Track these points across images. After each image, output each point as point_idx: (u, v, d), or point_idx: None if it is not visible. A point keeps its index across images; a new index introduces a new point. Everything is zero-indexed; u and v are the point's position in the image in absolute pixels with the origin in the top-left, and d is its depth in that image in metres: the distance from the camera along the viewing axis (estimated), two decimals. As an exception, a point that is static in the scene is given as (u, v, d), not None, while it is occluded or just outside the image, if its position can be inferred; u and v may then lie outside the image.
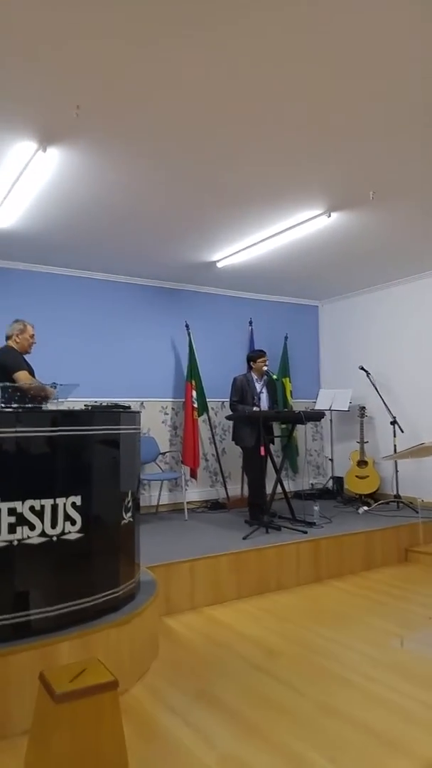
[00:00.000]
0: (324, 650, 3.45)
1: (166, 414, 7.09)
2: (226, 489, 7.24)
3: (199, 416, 6.94)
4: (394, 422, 6.83)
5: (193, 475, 6.89)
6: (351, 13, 2.59)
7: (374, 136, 3.69)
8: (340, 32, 2.70)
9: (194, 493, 7.08)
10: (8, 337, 4.70)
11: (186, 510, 6.32)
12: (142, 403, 6.82)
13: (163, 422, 7.06)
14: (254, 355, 6.26)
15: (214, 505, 6.87)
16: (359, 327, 8.00)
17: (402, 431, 6.79)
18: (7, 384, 3.89)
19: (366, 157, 3.98)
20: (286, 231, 5.38)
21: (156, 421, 6.98)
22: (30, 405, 3.58)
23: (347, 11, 2.57)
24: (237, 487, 7.35)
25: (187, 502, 6.52)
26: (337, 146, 3.82)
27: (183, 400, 7.04)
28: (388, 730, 2.55)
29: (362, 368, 7.33)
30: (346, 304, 8.27)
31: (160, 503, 6.76)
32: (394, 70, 3.00)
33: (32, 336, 4.74)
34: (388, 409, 6.93)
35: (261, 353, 6.21)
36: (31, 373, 4.60)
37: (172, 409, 7.14)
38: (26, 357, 4.72)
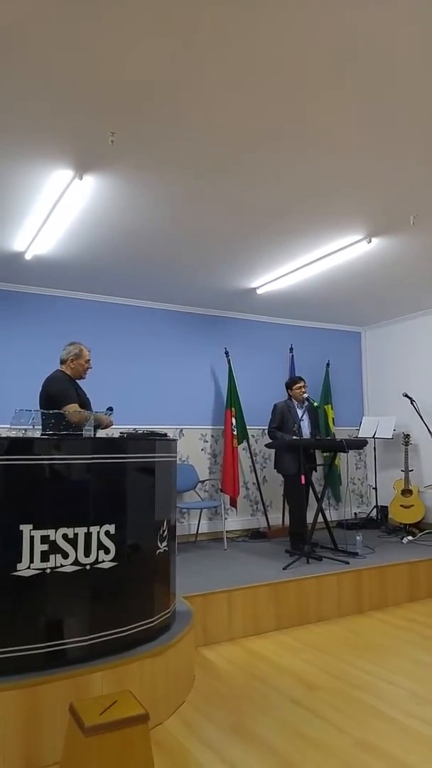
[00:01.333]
0: (364, 684, 3.33)
1: (205, 441, 7.07)
2: (267, 518, 7.15)
3: (238, 444, 6.90)
4: (439, 450, 6.67)
5: (233, 503, 6.83)
6: (391, 37, 2.59)
7: (414, 159, 3.66)
8: (380, 55, 2.70)
9: (234, 521, 7.01)
10: (63, 362, 4.46)
11: (225, 539, 6.25)
12: (181, 430, 6.82)
13: (202, 450, 7.03)
14: (290, 382, 6.24)
15: (254, 534, 6.79)
16: (403, 353, 7.88)
17: (447, 459, 6.62)
18: (45, 411, 3.87)
19: (406, 181, 3.95)
20: (326, 257, 5.36)
21: (195, 449, 6.96)
22: (65, 432, 3.58)
23: (386, 35, 2.57)
24: (278, 516, 7.25)
25: (227, 531, 6.46)
26: (378, 171, 3.81)
27: (222, 427, 7.01)
28: (430, 772, 2.44)
29: (406, 395, 7.19)
30: (388, 330, 8.16)
31: (200, 532, 6.71)
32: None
33: (88, 361, 4.49)
34: (433, 437, 6.77)
35: (297, 380, 6.17)
36: (85, 400, 4.41)
37: (212, 436, 7.12)
38: (81, 383, 4.51)
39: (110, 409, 4.15)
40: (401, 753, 2.59)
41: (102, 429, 4.10)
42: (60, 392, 4.26)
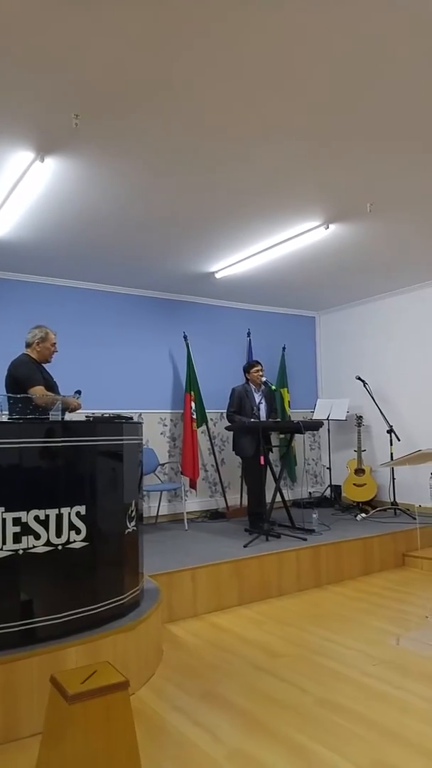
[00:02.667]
0: (324, 650, 3.54)
1: (164, 425, 7.17)
2: (225, 499, 7.32)
3: (198, 427, 7.02)
4: (390, 431, 6.93)
5: (193, 485, 6.96)
6: (350, 26, 2.70)
7: (373, 149, 3.80)
8: (339, 43, 2.80)
9: (194, 503, 7.15)
10: (28, 345, 4.48)
11: (186, 520, 6.39)
12: (140, 414, 6.90)
13: (161, 433, 7.14)
14: (248, 366, 6.40)
15: (213, 515, 6.95)
16: (356, 337, 8.12)
17: (398, 439, 6.89)
18: (11, 395, 3.91)
19: (364, 169, 4.08)
20: (285, 242, 5.48)
21: (155, 433, 7.06)
22: (32, 416, 3.63)
23: (347, 24, 2.69)
24: (236, 497, 7.43)
25: (187, 513, 6.60)
26: (336, 158, 3.92)
27: (182, 411, 7.13)
28: (387, 721, 2.65)
29: (359, 378, 7.43)
30: (343, 314, 8.39)
31: (160, 514, 6.83)
32: (393, 82, 3.10)
33: (54, 344, 4.52)
34: (385, 418, 7.03)
35: (254, 363, 6.33)
36: (52, 384, 4.45)
37: (171, 420, 7.22)
38: (47, 366, 4.53)
39: (78, 392, 4.22)
40: (359, 708, 2.79)
41: (70, 412, 4.14)
42: (25, 375, 4.30)
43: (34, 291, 6.43)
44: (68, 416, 4.13)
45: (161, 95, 3.18)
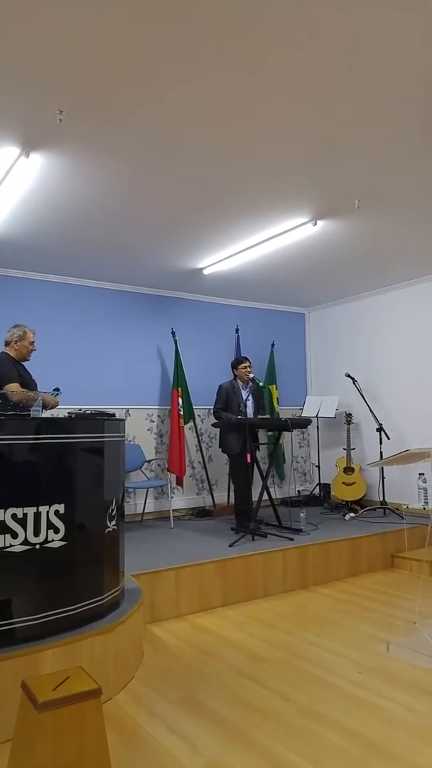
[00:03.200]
0: (309, 655, 3.45)
1: (152, 421, 7.08)
2: (212, 496, 7.24)
3: (185, 424, 6.94)
4: (380, 429, 6.86)
5: (179, 482, 6.88)
6: (339, 21, 2.61)
7: (360, 144, 3.72)
8: (329, 40, 2.72)
9: (180, 500, 7.07)
10: (6, 343, 4.55)
11: (172, 518, 6.31)
12: (127, 410, 6.81)
13: (148, 430, 7.04)
14: (236, 362, 6.31)
15: (200, 513, 6.87)
16: (345, 334, 8.05)
17: (388, 438, 6.82)
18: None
19: (352, 165, 4.01)
20: (273, 239, 5.41)
21: (142, 429, 6.96)
22: (12, 413, 3.54)
23: (337, 18, 2.60)
24: (224, 495, 7.35)
25: (173, 510, 6.51)
26: (324, 154, 3.85)
27: (169, 407, 7.04)
28: (371, 733, 2.55)
29: (348, 375, 7.36)
30: (332, 311, 8.31)
31: (146, 511, 6.73)
32: (382, 80, 3.04)
33: (32, 343, 4.59)
34: (375, 416, 6.96)
35: (242, 360, 6.24)
36: (28, 381, 4.48)
37: (158, 416, 7.13)
38: (26, 364, 4.59)
39: (57, 389, 4.15)
40: (343, 718, 2.69)
41: (47, 410, 4.09)
42: (4, 374, 4.34)
43: (21, 287, 6.33)
44: (46, 413, 4.06)
45: (146, 90, 3.10)
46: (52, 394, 4.19)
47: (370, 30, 2.66)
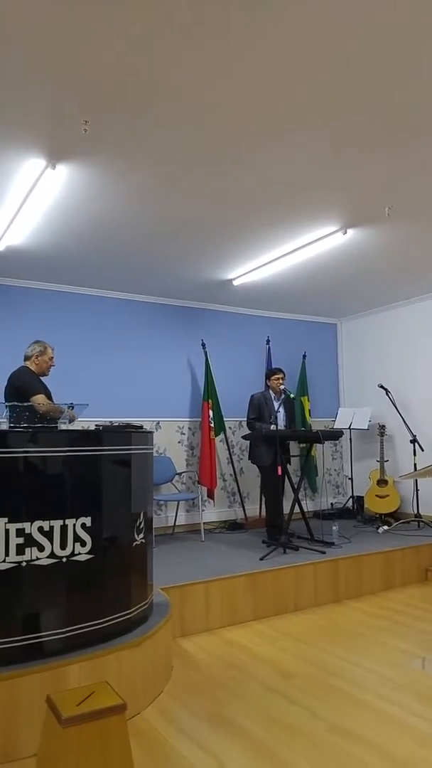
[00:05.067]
0: (340, 671, 3.38)
1: (182, 434, 7.07)
2: (243, 509, 7.19)
3: (215, 436, 6.91)
4: (414, 440, 6.74)
5: (210, 495, 6.85)
6: (364, 25, 2.59)
7: (389, 151, 3.68)
8: (351, 42, 2.70)
9: (211, 513, 7.03)
10: (27, 358, 4.66)
11: (203, 530, 6.27)
12: (158, 422, 6.81)
13: (179, 442, 7.04)
14: (269, 373, 6.29)
15: (231, 526, 6.83)
16: (378, 345, 7.95)
17: (422, 449, 6.70)
18: (17, 404, 3.89)
19: (382, 172, 3.97)
20: (302, 248, 5.37)
21: (172, 441, 6.96)
22: (40, 425, 3.58)
23: (360, 23, 2.58)
24: (255, 507, 7.29)
25: (204, 523, 6.48)
26: (354, 162, 3.82)
27: (200, 419, 7.02)
28: (402, 752, 2.49)
29: (381, 386, 7.26)
30: (364, 321, 8.23)
31: (177, 524, 6.71)
32: (410, 82, 2.99)
33: (51, 359, 4.71)
34: (408, 428, 6.84)
35: (275, 371, 6.20)
36: (49, 395, 4.58)
37: (189, 428, 7.12)
38: (44, 379, 4.69)
39: (71, 405, 4.19)
40: (374, 736, 2.63)
41: (70, 423, 4.14)
42: (27, 384, 4.46)
43: (49, 299, 6.40)
44: (75, 425, 4.09)
45: (171, 100, 3.11)
46: (68, 407, 4.25)
47: (400, 32, 2.63)
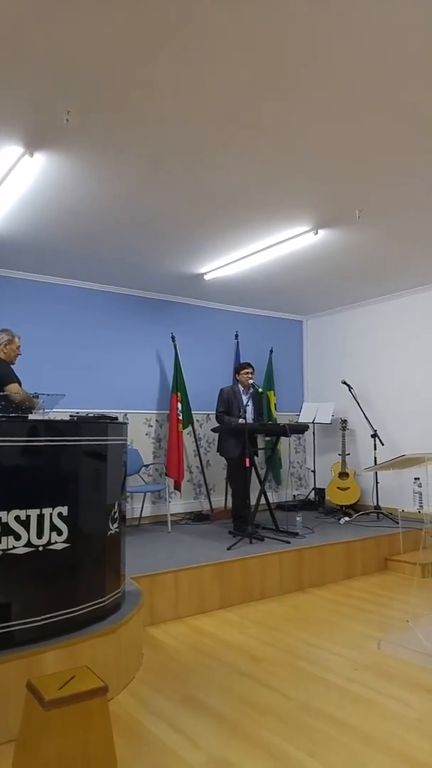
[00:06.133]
0: (306, 655, 3.52)
1: (150, 426, 7.13)
2: (210, 501, 7.29)
3: (183, 428, 6.98)
4: (374, 435, 6.94)
5: (177, 487, 6.92)
6: (341, 33, 2.69)
7: (362, 155, 3.79)
8: (329, 45, 2.78)
9: (178, 505, 7.11)
10: None
11: (169, 522, 6.35)
12: (125, 414, 6.84)
13: (147, 434, 7.09)
14: (239, 367, 6.39)
15: (198, 517, 6.92)
16: (342, 342, 8.13)
17: (382, 444, 6.90)
18: None
19: (353, 175, 4.08)
20: (274, 246, 5.48)
21: (140, 433, 7.01)
22: (15, 415, 3.60)
23: (338, 29, 2.67)
24: (221, 499, 7.40)
25: (171, 514, 6.55)
26: (327, 164, 3.92)
27: (168, 412, 7.09)
28: (367, 727, 2.64)
29: (344, 382, 7.44)
30: (329, 319, 8.40)
31: (143, 515, 6.78)
32: (382, 91, 3.10)
33: (18, 347, 4.71)
34: (369, 423, 7.04)
35: (245, 365, 6.31)
36: (20, 384, 4.57)
37: (157, 421, 7.18)
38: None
39: (36, 395, 4.21)
40: (342, 714, 2.77)
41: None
42: (6, 374, 4.41)
43: (18, 287, 6.35)
44: (49, 416, 4.10)
45: (153, 94, 3.15)
46: (34, 396, 4.26)
47: (374, 42, 2.73)
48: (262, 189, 4.31)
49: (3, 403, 3.71)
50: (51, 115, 3.32)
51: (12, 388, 4.30)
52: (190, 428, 7.19)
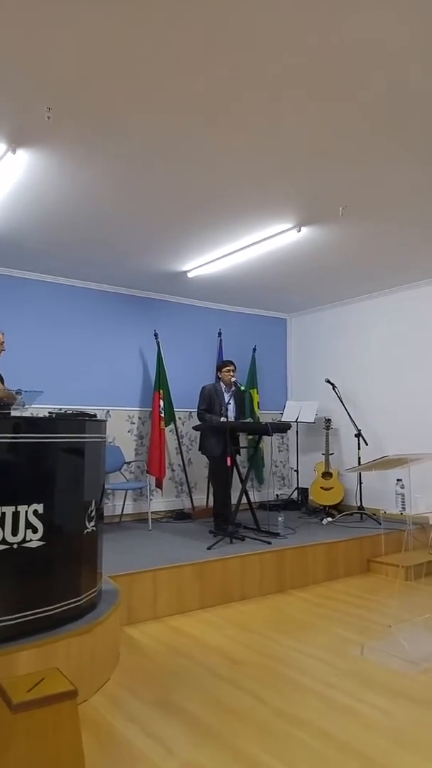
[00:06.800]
0: (285, 659, 3.46)
1: (132, 423, 7.06)
2: (191, 499, 7.23)
3: (165, 426, 6.92)
4: (358, 435, 6.91)
5: (159, 485, 6.86)
6: (323, 30, 2.64)
7: (345, 152, 3.76)
8: (313, 48, 2.75)
9: (159, 503, 7.05)
10: None
11: (150, 520, 6.29)
12: (108, 411, 6.78)
13: (129, 431, 7.02)
14: (221, 365, 6.33)
15: (179, 515, 6.86)
16: (326, 340, 8.10)
17: (366, 444, 6.87)
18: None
19: (337, 173, 4.04)
20: (257, 244, 5.43)
21: (122, 430, 6.94)
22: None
23: (321, 27, 2.63)
24: (203, 497, 7.35)
25: (152, 512, 6.49)
26: (309, 161, 3.88)
27: (150, 409, 7.02)
28: (346, 736, 2.57)
29: (328, 381, 7.40)
30: (313, 317, 8.37)
31: (124, 513, 6.71)
32: (363, 88, 3.06)
33: (2, 344, 4.64)
34: (353, 422, 7.01)
35: (226, 363, 6.25)
36: (2, 381, 4.52)
37: (139, 418, 7.11)
38: None
39: (18, 391, 4.14)
40: (320, 721, 2.71)
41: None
42: None
43: (3, 284, 6.28)
44: (27, 412, 4.04)
45: (134, 92, 3.11)
46: (16, 393, 4.19)
47: (355, 38, 2.69)
48: (245, 186, 4.27)
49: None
50: (32, 112, 3.27)
51: None
52: (172, 426, 7.13)
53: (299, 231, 5.06)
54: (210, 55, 2.81)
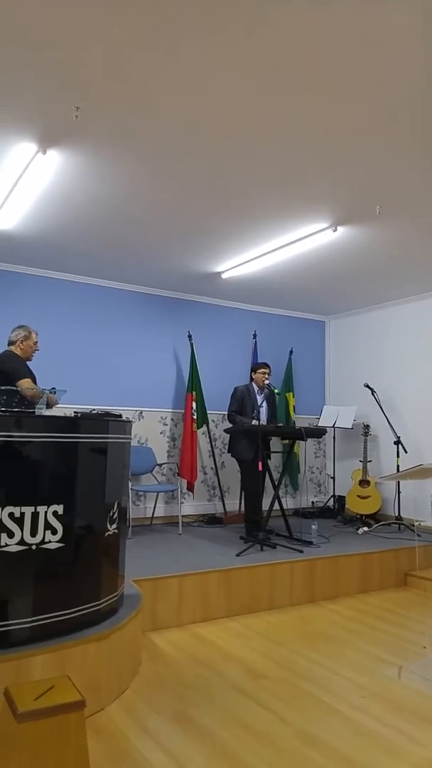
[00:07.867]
0: (311, 675, 3.30)
1: (165, 425, 6.98)
2: (223, 503, 7.11)
3: (198, 428, 6.83)
4: (398, 442, 6.68)
5: (190, 488, 6.77)
6: (359, 23, 2.51)
7: (381, 151, 3.63)
8: (343, 37, 2.62)
9: (190, 506, 6.95)
10: (11, 343, 4.63)
11: (181, 523, 6.19)
12: (140, 412, 6.72)
13: (161, 433, 6.95)
14: (256, 366, 6.20)
15: (210, 520, 6.74)
16: (366, 344, 7.89)
17: (406, 451, 6.64)
18: (7, 388, 3.80)
19: (373, 171, 3.91)
20: (292, 244, 5.30)
21: (154, 432, 6.87)
22: (18, 410, 3.48)
23: (349, 19, 2.50)
24: (235, 502, 7.22)
25: (183, 516, 6.39)
26: (344, 160, 3.76)
27: (183, 411, 6.93)
28: (370, 763, 2.41)
29: (367, 386, 7.19)
30: (353, 320, 8.16)
31: (156, 515, 6.63)
32: (401, 88, 2.95)
33: (35, 343, 4.69)
34: (393, 429, 6.78)
35: (261, 365, 6.12)
36: (34, 380, 4.53)
37: (172, 419, 7.03)
38: (28, 364, 4.65)
39: (53, 389, 4.10)
40: (342, 745, 2.55)
41: (49, 408, 4.05)
42: (14, 368, 4.42)
43: (39, 284, 6.32)
44: (48, 412, 4.00)
45: (165, 90, 3.04)
46: (51, 393, 4.16)
47: (386, 31, 2.55)
48: (279, 185, 4.16)
49: (6, 397, 3.60)
50: (61, 112, 3.25)
51: (24, 384, 4.24)
52: (204, 428, 7.03)
53: (335, 231, 4.91)
54: (242, 58, 2.75)
